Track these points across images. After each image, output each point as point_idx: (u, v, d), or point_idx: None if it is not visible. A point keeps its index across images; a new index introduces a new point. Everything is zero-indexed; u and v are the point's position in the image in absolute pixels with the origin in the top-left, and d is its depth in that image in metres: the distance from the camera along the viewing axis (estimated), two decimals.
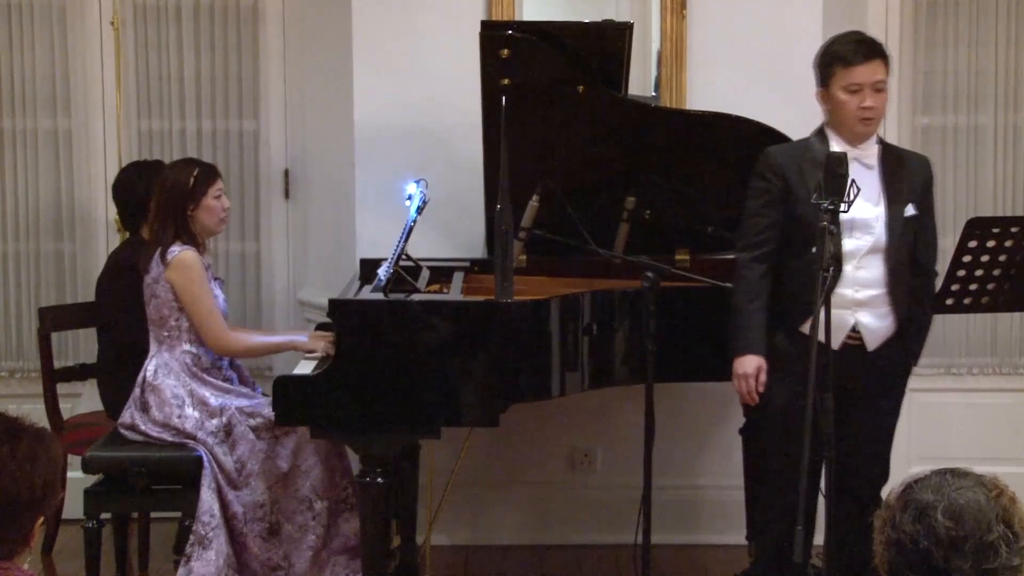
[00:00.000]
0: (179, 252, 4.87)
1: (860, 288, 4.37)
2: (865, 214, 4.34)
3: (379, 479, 4.51)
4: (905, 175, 4.44)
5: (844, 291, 4.29)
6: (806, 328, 4.29)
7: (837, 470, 4.53)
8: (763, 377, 4.38)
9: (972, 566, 2.22)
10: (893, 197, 4.39)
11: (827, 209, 3.85)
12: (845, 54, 4.38)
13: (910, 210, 4.39)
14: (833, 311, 4.10)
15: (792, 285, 4.35)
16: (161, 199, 4.96)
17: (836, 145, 4.37)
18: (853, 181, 3.96)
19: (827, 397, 3.89)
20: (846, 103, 4.35)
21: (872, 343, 4.41)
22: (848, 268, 4.25)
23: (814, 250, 3.87)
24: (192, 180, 4.93)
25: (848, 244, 4.26)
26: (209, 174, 4.99)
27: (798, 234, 4.32)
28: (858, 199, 4.21)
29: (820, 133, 4.48)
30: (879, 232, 4.36)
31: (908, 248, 4.39)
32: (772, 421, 4.53)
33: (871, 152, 4.42)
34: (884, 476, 4.54)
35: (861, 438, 4.48)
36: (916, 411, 5.60)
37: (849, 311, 4.34)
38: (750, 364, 4.39)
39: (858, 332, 4.39)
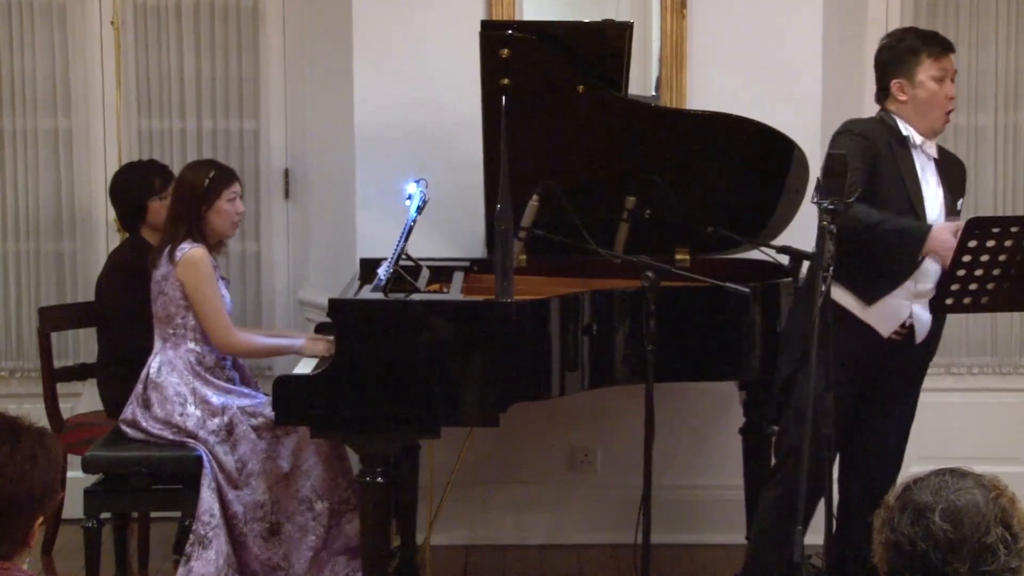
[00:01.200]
0: (189, 250, 4.88)
1: (920, 279, 4.37)
2: (931, 201, 4.37)
3: (379, 479, 4.51)
4: (953, 174, 4.49)
5: (907, 282, 4.30)
6: (867, 314, 4.29)
7: (855, 465, 4.56)
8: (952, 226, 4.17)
9: (970, 568, 2.22)
10: (947, 191, 4.43)
11: (827, 209, 3.84)
12: (933, 45, 4.42)
13: (958, 205, 4.44)
14: (896, 300, 4.21)
15: (874, 263, 4.32)
16: (176, 198, 4.98)
17: (909, 131, 4.39)
18: (853, 181, 3.96)
19: (827, 397, 3.89)
20: (936, 92, 4.38)
21: (921, 335, 4.42)
22: None
23: (820, 249, 3.87)
24: (208, 181, 4.95)
25: None
26: (225, 177, 5.01)
27: (879, 207, 4.27)
28: (924, 186, 4.25)
29: (886, 116, 4.46)
30: (938, 221, 4.36)
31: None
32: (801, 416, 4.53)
33: (932, 145, 4.46)
34: (895, 473, 4.54)
35: (883, 435, 4.49)
36: (916, 411, 5.59)
37: (908, 302, 4.35)
38: (939, 234, 4.16)
39: (907, 326, 4.39)
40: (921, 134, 4.41)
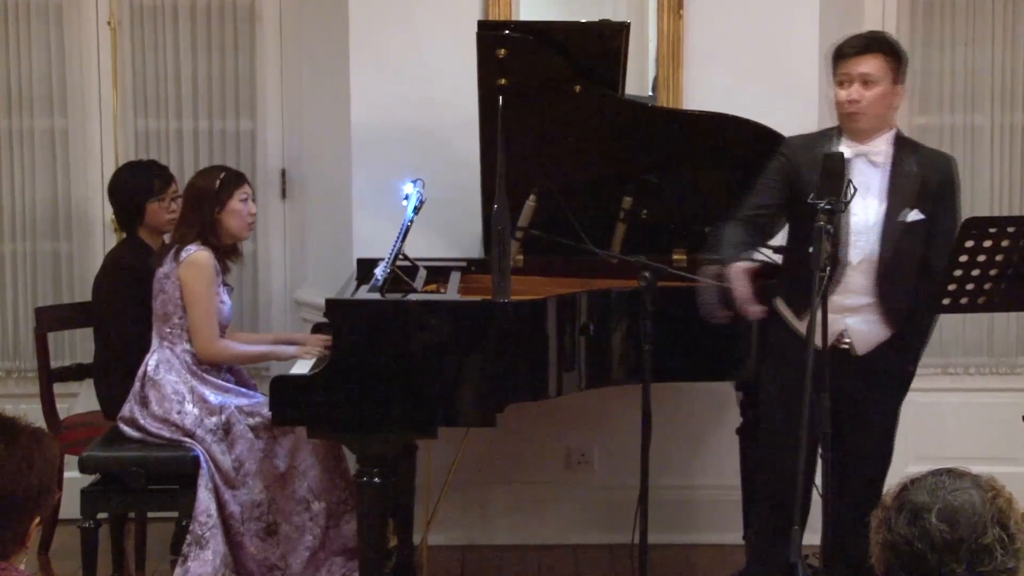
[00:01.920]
0: (195, 251, 4.91)
1: (849, 294, 4.38)
2: (860, 218, 4.35)
3: (376, 479, 4.51)
4: (918, 176, 4.41)
5: (834, 296, 4.29)
6: (802, 326, 4.31)
7: (836, 470, 4.55)
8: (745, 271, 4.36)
9: (967, 569, 2.22)
10: (894, 202, 4.38)
11: (824, 209, 3.85)
12: (841, 47, 4.44)
13: (914, 215, 4.36)
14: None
15: (804, 272, 4.32)
16: (188, 202, 5.01)
17: (845, 141, 4.41)
18: (850, 181, 3.97)
19: (824, 397, 3.89)
20: (835, 95, 4.42)
21: (862, 348, 4.42)
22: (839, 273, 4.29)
23: (811, 250, 3.88)
24: (218, 183, 4.98)
25: (841, 249, 4.29)
26: (235, 179, 5.06)
27: (806, 224, 4.29)
28: (857, 201, 4.23)
29: (838, 129, 4.51)
30: (872, 239, 4.37)
31: (909, 255, 4.37)
32: (764, 414, 4.55)
33: (879, 149, 4.41)
34: (881, 477, 4.53)
35: (856, 439, 4.49)
36: (913, 411, 5.57)
37: (839, 316, 4.34)
38: (735, 273, 4.37)
39: (847, 338, 4.40)
40: (858, 141, 4.41)
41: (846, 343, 4.40)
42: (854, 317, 4.39)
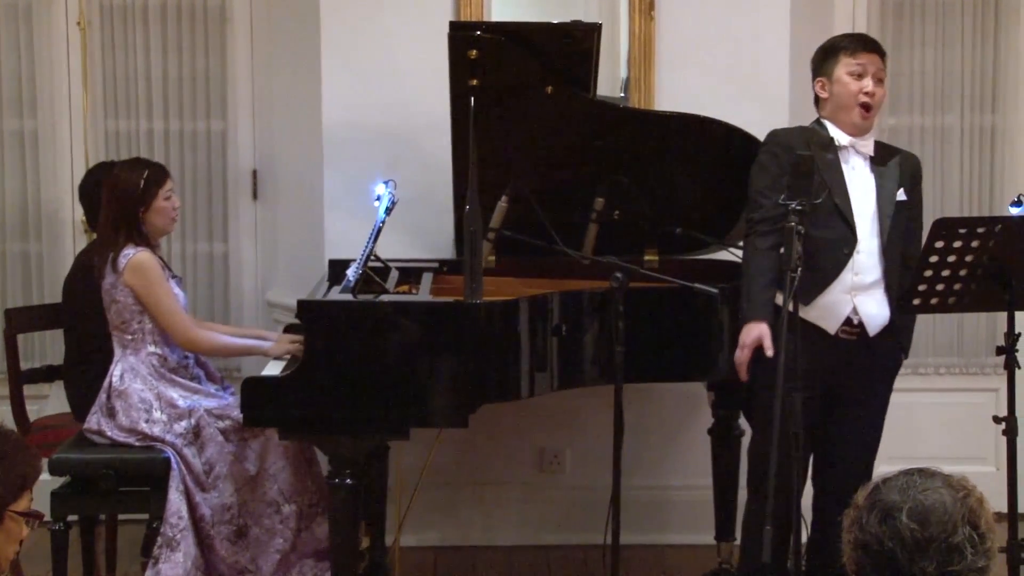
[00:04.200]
0: (133, 255, 4.86)
1: (860, 273, 4.39)
2: (861, 200, 4.39)
3: (348, 480, 4.50)
4: (897, 164, 4.50)
5: (845, 275, 4.34)
6: (809, 312, 4.33)
7: (824, 468, 4.57)
8: (767, 343, 4.35)
9: (937, 567, 2.23)
10: (883, 183, 4.44)
11: (795, 210, 3.86)
12: (850, 43, 4.49)
13: (900, 195, 4.45)
14: (833, 296, 4.25)
15: (807, 259, 4.31)
16: (112, 202, 4.93)
17: (836, 134, 4.43)
18: (822, 180, 3.99)
19: (795, 398, 3.90)
20: (849, 85, 4.43)
21: (872, 328, 4.43)
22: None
23: (782, 251, 3.90)
24: (143, 182, 4.92)
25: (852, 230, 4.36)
26: (159, 175, 4.98)
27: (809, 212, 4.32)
28: (854, 187, 4.32)
29: (818, 123, 4.53)
30: (872, 219, 4.41)
31: (900, 235, 4.43)
32: (759, 404, 4.54)
33: (867, 144, 4.48)
34: (868, 474, 4.54)
35: (849, 435, 4.51)
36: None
37: (849, 295, 4.37)
38: (749, 334, 4.40)
39: (856, 324, 4.40)
40: (849, 134, 4.44)
41: (856, 329, 4.41)
42: (864, 296, 4.41)
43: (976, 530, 2.25)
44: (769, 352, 4.32)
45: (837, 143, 4.44)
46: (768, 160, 4.50)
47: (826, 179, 4.37)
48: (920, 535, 2.23)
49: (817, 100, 4.58)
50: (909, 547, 2.23)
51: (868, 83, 4.41)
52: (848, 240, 4.38)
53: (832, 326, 4.42)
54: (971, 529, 2.25)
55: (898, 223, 4.42)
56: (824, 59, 4.52)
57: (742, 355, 4.41)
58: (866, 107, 4.42)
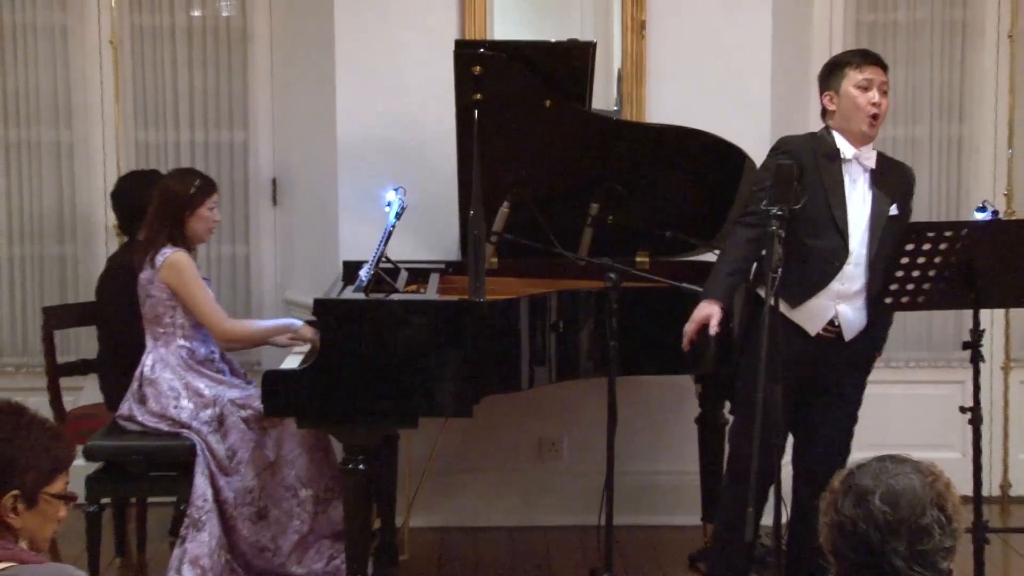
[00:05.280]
0: (170, 254, 4.88)
1: (846, 281, 4.38)
2: (857, 213, 4.37)
3: (361, 466, 4.51)
4: (893, 179, 4.48)
5: (833, 284, 4.34)
6: (794, 314, 4.32)
7: (803, 454, 4.55)
8: (714, 321, 4.34)
9: (907, 548, 2.23)
10: (879, 198, 4.42)
11: (776, 215, 3.85)
12: (856, 58, 4.47)
13: (893, 210, 4.42)
14: (820, 302, 4.27)
15: (799, 264, 4.32)
16: (161, 203, 4.96)
17: (842, 144, 4.41)
18: (803, 189, 3.98)
19: (776, 389, 3.90)
20: (857, 98, 4.40)
21: (849, 334, 4.42)
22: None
23: (763, 252, 3.89)
24: (193, 189, 4.95)
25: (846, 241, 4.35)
26: (208, 186, 5.03)
27: (805, 219, 4.30)
28: (853, 201, 4.33)
29: (826, 131, 4.49)
30: (865, 231, 4.39)
31: (885, 247, 4.38)
32: (742, 399, 4.52)
33: (871, 155, 4.45)
34: (844, 459, 4.53)
35: (826, 424, 4.50)
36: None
37: (832, 302, 4.37)
38: (700, 311, 4.38)
39: (836, 325, 4.40)
40: (854, 144, 4.42)
41: (835, 329, 4.40)
42: (846, 304, 4.40)
43: (943, 512, 2.24)
44: (713, 331, 4.33)
45: (843, 155, 4.42)
46: (774, 163, 4.42)
47: (827, 190, 4.36)
48: (892, 517, 2.23)
49: (824, 112, 4.52)
50: (882, 528, 2.23)
51: (874, 95, 4.40)
52: (840, 252, 4.36)
53: (813, 328, 4.41)
54: (939, 511, 2.24)
55: (886, 237, 4.37)
56: (831, 74, 4.49)
57: (689, 328, 4.39)
58: (874, 117, 4.41)
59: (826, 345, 4.42)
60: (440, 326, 4.44)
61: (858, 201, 4.40)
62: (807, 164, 4.35)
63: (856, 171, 4.42)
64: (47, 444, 2.65)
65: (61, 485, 2.70)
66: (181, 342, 4.95)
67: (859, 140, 4.43)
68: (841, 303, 4.39)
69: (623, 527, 5.00)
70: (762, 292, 4.38)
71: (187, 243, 4.96)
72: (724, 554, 4.60)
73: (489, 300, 4.43)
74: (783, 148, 4.43)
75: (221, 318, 4.95)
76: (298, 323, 5.03)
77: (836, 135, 4.44)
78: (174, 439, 4.81)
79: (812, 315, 4.40)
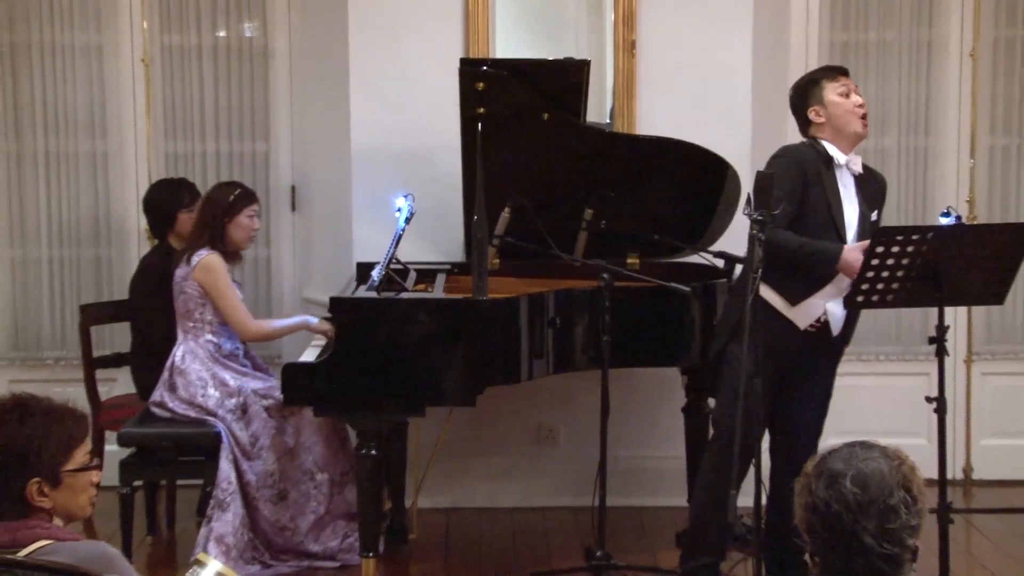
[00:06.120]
0: (205, 256, 4.91)
1: (838, 281, 4.35)
2: (850, 216, 4.37)
3: (373, 452, 4.51)
4: (873, 188, 4.48)
5: (829, 285, 4.33)
6: (789, 311, 4.32)
7: (782, 439, 4.55)
8: (856, 255, 4.17)
9: (876, 526, 2.23)
10: (864, 203, 4.41)
11: (756, 220, 3.84)
12: (827, 72, 4.46)
13: (873, 216, 4.43)
14: (814, 300, 4.29)
15: (797, 268, 4.31)
16: (203, 211, 5.01)
17: (833, 152, 4.38)
18: (781, 198, 3.98)
19: (757, 382, 3.89)
20: (844, 103, 4.38)
21: (836, 328, 4.42)
22: None
23: (744, 254, 3.88)
24: (233, 197, 4.99)
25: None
26: (247, 196, 5.07)
27: (807, 223, 4.30)
28: (844, 202, 4.34)
29: (815, 141, 4.43)
30: (855, 234, 4.37)
31: None
32: (728, 390, 4.48)
33: (857, 161, 4.43)
34: (816, 446, 4.52)
35: (801, 413, 4.50)
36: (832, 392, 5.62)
37: (823, 300, 4.36)
38: (850, 256, 4.19)
39: (821, 320, 4.38)
40: (844, 151, 4.40)
41: (820, 324, 4.39)
42: (834, 302, 4.39)
43: (909, 493, 2.25)
44: (862, 250, 4.13)
45: (836, 162, 4.41)
46: (782, 164, 4.34)
47: (827, 195, 4.34)
48: (862, 498, 2.23)
49: (809, 126, 4.46)
50: (852, 508, 2.23)
51: (857, 98, 4.40)
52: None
53: (803, 323, 4.39)
54: (905, 492, 2.24)
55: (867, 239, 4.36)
56: (808, 92, 4.44)
57: (857, 265, 4.13)
58: (863, 116, 4.41)
59: (810, 338, 4.41)
60: (446, 322, 4.45)
61: (849, 206, 4.39)
62: (810, 171, 4.33)
63: (847, 177, 4.40)
64: (52, 428, 2.60)
65: (80, 458, 2.65)
66: (209, 337, 4.96)
67: (848, 145, 4.40)
68: (831, 301, 4.39)
69: (615, 507, 4.99)
70: (766, 292, 4.36)
71: (227, 249, 4.97)
72: (706, 533, 4.58)
73: (491, 298, 4.44)
74: (788, 156, 4.37)
75: (245, 319, 4.96)
76: (313, 320, 5.04)
77: (826, 144, 4.41)
78: (201, 426, 4.82)
79: (805, 312, 4.38)
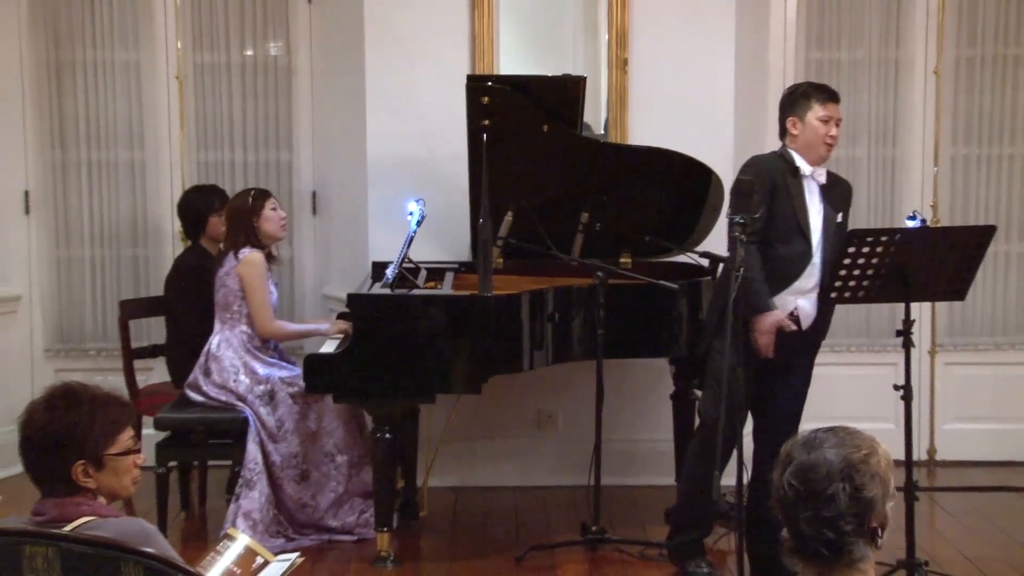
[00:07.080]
0: (249, 252, 4.93)
1: (808, 279, 4.36)
2: (815, 220, 4.36)
3: (387, 435, 4.52)
4: (838, 192, 4.45)
5: (799, 281, 4.33)
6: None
7: (763, 425, 4.53)
8: (784, 322, 4.25)
9: (812, 515, 2.16)
10: (828, 208, 4.39)
11: (738, 223, 3.84)
12: (822, 94, 4.39)
13: (839, 218, 4.41)
14: (784, 297, 4.27)
15: (770, 267, 4.30)
16: (230, 219, 5.02)
17: (800, 163, 4.36)
18: (761, 204, 3.97)
19: (739, 371, 3.89)
20: (818, 129, 4.34)
21: (805, 322, 4.41)
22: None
23: (727, 254, 3.87)
24: (250, 199, 4.99)
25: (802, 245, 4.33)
26: (262, 193, 5.09)
27: (776, 227, 4.30)
28: (809, 208, 4.32)
29: (785, 150, 4.42)
30: (821, 236, 4.36)
31: (832, 249, 4.35)
32: (713, 379, 4.47)
33: (822, 172, 4.40)
34: (795, 430, 4.51)
35: (780, 400, 4.48)
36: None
37: (793, 296, 4.35)
38: (768, 321, 4.25)
39: (794, 318, 4.37)
40: (809, 164, 4.40)
41: (793, 319, 4.37)
42: (804, 298, 4.38)
43: (852, 482, 2.17)
44: (789, 330, 4.24)
45: (802, 172, 4.39)
46: (752, 173, 4.35)
47: (793, 202, 4.33)
48: (800, 488, 2.17)
49: (784, 133, 4.44)
50: (790, 498, 2.18)
51: (832, 129, 4.35)
52: (806, 255, 4.33)
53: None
54: (847, 483, 2.16)
55: (834, 241, 4.35)
56: (796, 102, 4.40)
57: (764, 340, 4.25)
58: (829, 147, 4.39)
59: (784, 332, 4.40)
60: (454, 317, 4.45)
61: (814, 211, 4.38)
62: (777, 180, 4.32)
63: (812, 185, 4.39)
64: (97, 414, 2.59)
65: (125, 442, 2.63)
66: (243, 328, 4.97)
67: (815, 161, 4.40)
68: (800, 297, 4.38)
69: (609, 486, 4.99)
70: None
71: (264, 243, 5.00)
72: (692, 510, 4.58)
73: (496, 295, 4.44)
74: (756, 166, 4.34)
75: (268, 317, 4.96)
76: (324, 326, 5.04)
77: (794, 154, 4.40)
78: (230, 412, 4.82)
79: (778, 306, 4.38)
